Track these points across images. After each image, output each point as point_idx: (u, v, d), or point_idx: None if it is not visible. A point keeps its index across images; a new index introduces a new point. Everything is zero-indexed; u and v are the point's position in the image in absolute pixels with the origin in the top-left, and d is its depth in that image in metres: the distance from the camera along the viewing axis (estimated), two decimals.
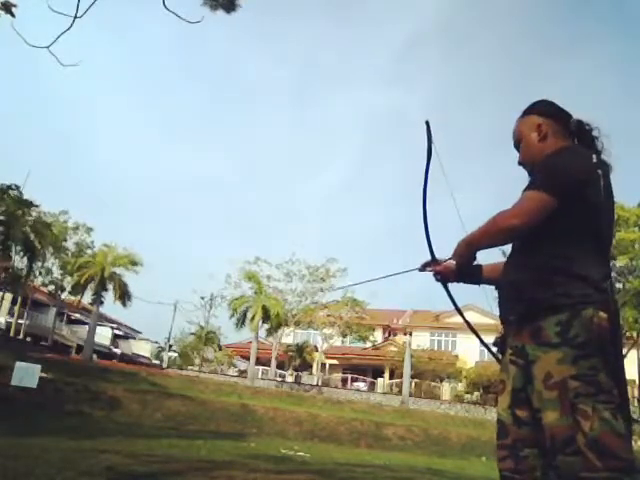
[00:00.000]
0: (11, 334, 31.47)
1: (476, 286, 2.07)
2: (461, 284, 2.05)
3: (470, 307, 38.37)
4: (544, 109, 1.89)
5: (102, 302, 30.19)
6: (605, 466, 1.43)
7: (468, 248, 1.83)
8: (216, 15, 5.64)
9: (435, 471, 10.23)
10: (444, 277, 2.05)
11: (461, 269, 1.95)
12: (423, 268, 2.10)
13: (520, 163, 1.93)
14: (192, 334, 41.80)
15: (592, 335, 1.54)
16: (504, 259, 1.92)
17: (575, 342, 1.54)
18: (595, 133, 1.83)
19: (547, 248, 1.68)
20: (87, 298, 32.26)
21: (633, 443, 1.57)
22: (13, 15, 4.53)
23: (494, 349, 1.95)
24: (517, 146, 1.93)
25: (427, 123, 2.14)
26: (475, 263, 1.93)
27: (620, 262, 25.03)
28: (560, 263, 1.64)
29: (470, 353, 36.25)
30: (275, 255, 39.73)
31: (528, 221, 1.65)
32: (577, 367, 1.52)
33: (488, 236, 1.75)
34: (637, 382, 27.01)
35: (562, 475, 1.50)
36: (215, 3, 5.61)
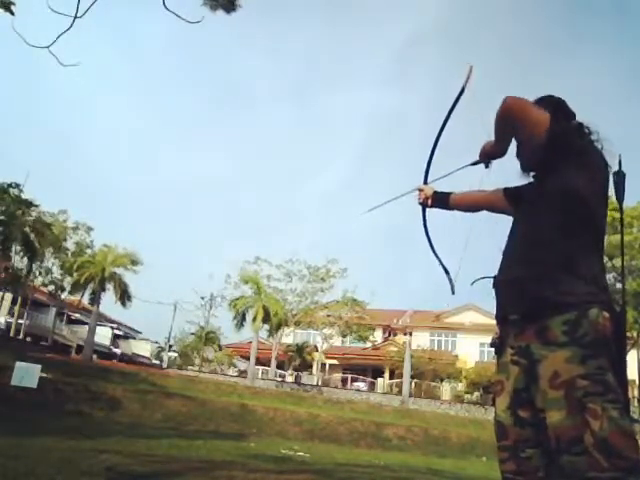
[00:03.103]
0: (11, 334, 31.45)
1: (448, 212, 2.33)
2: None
3: (470, 307, 38.47)
4: (546, 107, 1.89)
5: (100, 302, 30.24)
6: (612, 466, 1.43)
7: (490, 144, 1.97)
8: (216, 15, 5.64)
9: (435, 471, 10.23)
10: (426, 201, 2.35)
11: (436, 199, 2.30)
12: (418, 190, 2.39)
13: (517, 156, 1.98)
14: (192, 334, 41.86)
15: (599, 335, 1.53)
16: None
17: (583, 341, 1.53)
18: (594, 137, 1.84)
19: (549, 244, 1.67)
20: (87, 298, 32.30)
21: None
22: (12, 13, 4.53)
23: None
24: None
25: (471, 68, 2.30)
26: (448, 191, 2.30)
27: (617, 263, 24.94)
28: (563, 260, 1.62)
29: (470, 353, 36.26)
30: (275, 255, 39.78)
31: (519, 110, 1.75)
32: (586, 366, 1.51)
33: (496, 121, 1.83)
34: (637, 382, 26.99)
35: (567, 475, 1.49)
36: (215, 3, 5.61)
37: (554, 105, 1.88)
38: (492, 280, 1.85)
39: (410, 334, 37.82)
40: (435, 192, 2.34)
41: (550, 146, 1.72)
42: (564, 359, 1.53)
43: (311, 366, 37.79)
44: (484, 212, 2.21)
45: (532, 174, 1.92)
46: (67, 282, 33.36)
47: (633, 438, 1.48)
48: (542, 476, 1.61)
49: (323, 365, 37.83)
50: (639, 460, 1.46)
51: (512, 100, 1.74)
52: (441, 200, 2.32)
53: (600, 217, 1.72)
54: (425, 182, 2.41)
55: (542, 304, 1.61)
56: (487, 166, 2.12)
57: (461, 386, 33.81)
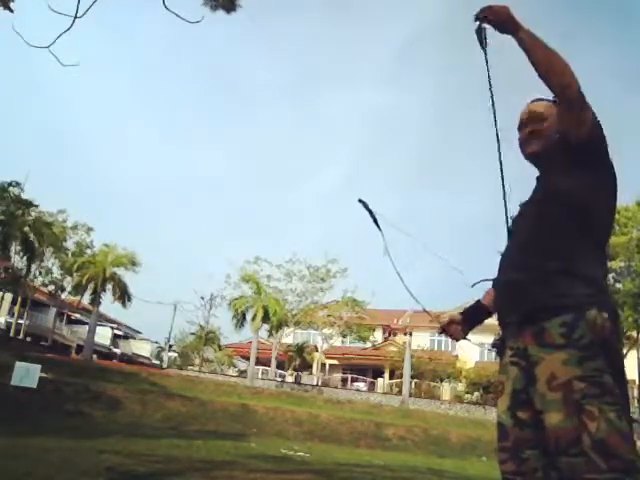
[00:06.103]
0: (11, 334, 31.44)
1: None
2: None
3: None
4: None
5: (100, 302, 30.24)
6: (609, 467, 1.43)
7: (515, 28, 1.65)
8: (216, 15, 5.65)
9: (435, 471, 10.24)
10: (457, 333, 2.04)
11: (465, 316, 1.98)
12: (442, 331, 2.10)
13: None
14: (192, 334, 41.86)
15: (597, 336, 1.53)
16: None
17: (580, 343, 1.53)
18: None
19: (548, 246, 1.66)
20: (87, 298, 32.30)
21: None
22: (11, 10, 4.52)
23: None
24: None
25: (361, 201, 2.07)
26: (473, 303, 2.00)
27: (616, 264, 25.07)
28: (562, 263, 1.62)
29: (470, 353, 36.24)
30: (275, 255, 39.81)
31: (574, 91, 1.60)
32: (583, 368, 1.51)
33: (544, 56, 1.60)
34: (637, 382, 26.99)
35: (566, 476, 1.50)
36: (215, 3, 5.62)
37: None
38: (492, 282, 1.86)
39: (410, 334, 37.79)
40: (462, 314, 2.03)
41: (588, 146, 1.64)
42: (561, 361, 1.53)
43: (311, 366, 37.81)
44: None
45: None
46: (67, 282, 33.40)
47: (631, 439, 1.49)
48: (540, 477, 1.61)
49: (323, 365, 37.83)
50: (637, 461, 1.46)
51: (576, 82, 1.59)
52: (476, 316, 2.01)
53: (605, 221, 1.72)
54: (428, 313, 2.12)
55: (540, 306, 1.61)
56: (483, 45, 1.83)
57: (461, 386, 33.81)
